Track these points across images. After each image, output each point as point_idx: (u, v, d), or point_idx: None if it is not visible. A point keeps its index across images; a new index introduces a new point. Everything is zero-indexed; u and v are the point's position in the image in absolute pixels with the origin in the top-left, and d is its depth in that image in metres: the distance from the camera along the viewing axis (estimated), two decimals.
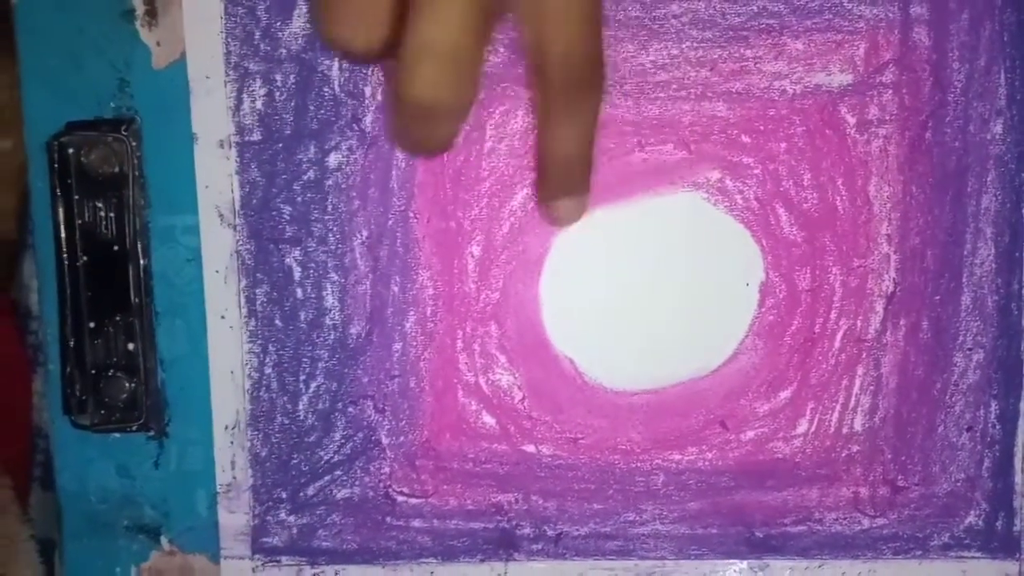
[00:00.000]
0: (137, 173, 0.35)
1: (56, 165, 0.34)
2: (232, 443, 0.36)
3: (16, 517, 0.38)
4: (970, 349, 0.35)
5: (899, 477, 0.36)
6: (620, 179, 0.35)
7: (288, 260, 0.35)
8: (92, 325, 0.35)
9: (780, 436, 0.36)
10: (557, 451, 0.36)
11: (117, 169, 0.34)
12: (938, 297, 0.35)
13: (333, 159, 0.35)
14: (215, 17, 0.34)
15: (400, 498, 0.36)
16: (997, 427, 0.36)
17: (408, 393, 0.36)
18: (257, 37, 0.34)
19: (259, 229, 0.35)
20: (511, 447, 0.36)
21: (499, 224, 0.35)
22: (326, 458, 0.36)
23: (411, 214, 0.35)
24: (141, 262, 0.35)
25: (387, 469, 0.36)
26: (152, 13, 0.34)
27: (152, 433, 0.36)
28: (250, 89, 0.35)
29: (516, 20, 0.25)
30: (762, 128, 0.35)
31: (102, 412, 0.35)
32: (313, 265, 0.36)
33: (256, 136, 0.35)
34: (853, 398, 0.36)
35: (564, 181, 0.27)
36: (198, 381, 0.36)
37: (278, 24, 0.34)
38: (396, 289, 0.36)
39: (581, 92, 0.26)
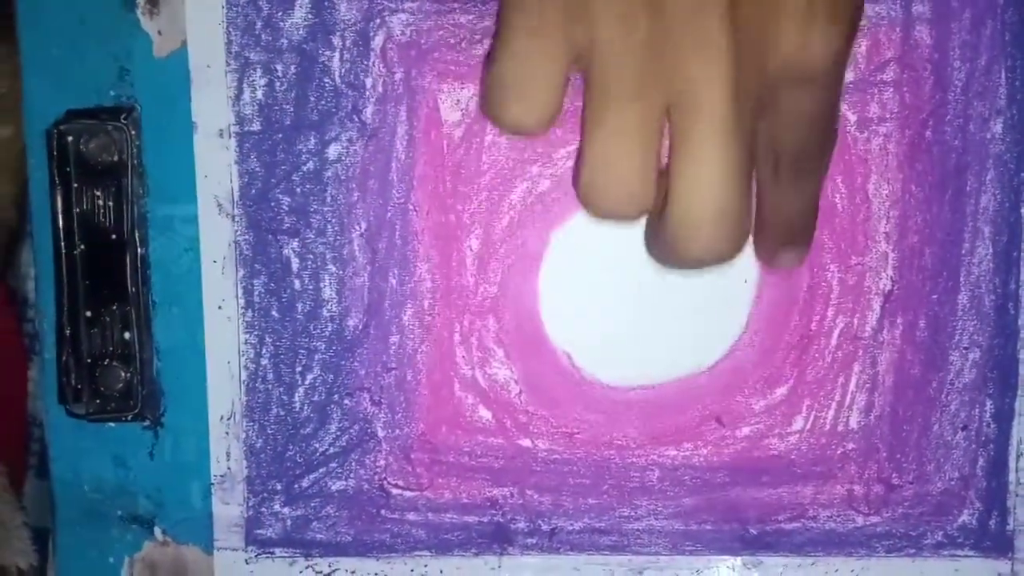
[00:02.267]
0: (136, 162, 0.35)
1: (55, 153, 0.34)
2: (227, 434, 0.36)
3: (10, 505, 0.38)
4: (966, 348, 0.35)
5: (894, 475, 0.36)
6: None
7: (286, 251, 0.35)
8: (88, 314, 0.35)
9: (775, 433, 0.36)
10: (553, 446, 0.36)
11: (116, 158, 0.34)
12: (935, 296, 0.35)
13: (333, 150, 0.35)
14: (216, 6, 0.34)
15: (395, 491, 0.36)
16: (992, 426, 0.36)
17: (404, 386, 0.36)
18: (258, 27, 0.34)
19: (258, 220, 0.35)
20: (507, 441, 0.36)
21: (498, 218, 0.35)
22: (321, 450, 0.36)
23: (410, 207, 0.35)
24: (139, 251, 0.35)
25: (382, 462, 0.36)
26: (153, 1, 0.34)
27: (147, 423, 0.36)
28: (250, 79, 0.35)
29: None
30: None
31: (97, 401, 0.35)
32: (311, 256, 0.35)
33: (256, 126, 0.35)
34: (849, 396, 0.36)
35: (789, 235, 0.27)
36: (194, 371, 0.36)
37: (279, 14, 0.34)
38: (394, 282, 0.36)
39: (814, 162, 0.26)
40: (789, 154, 0.26)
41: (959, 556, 0.36)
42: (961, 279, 0.35)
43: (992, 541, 0.36)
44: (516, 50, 0.23)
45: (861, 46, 0.34)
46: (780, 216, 0.27)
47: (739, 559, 0.36)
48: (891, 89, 0.34)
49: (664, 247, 0.24)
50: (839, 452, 0.36)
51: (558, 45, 0.23)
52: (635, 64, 0.22)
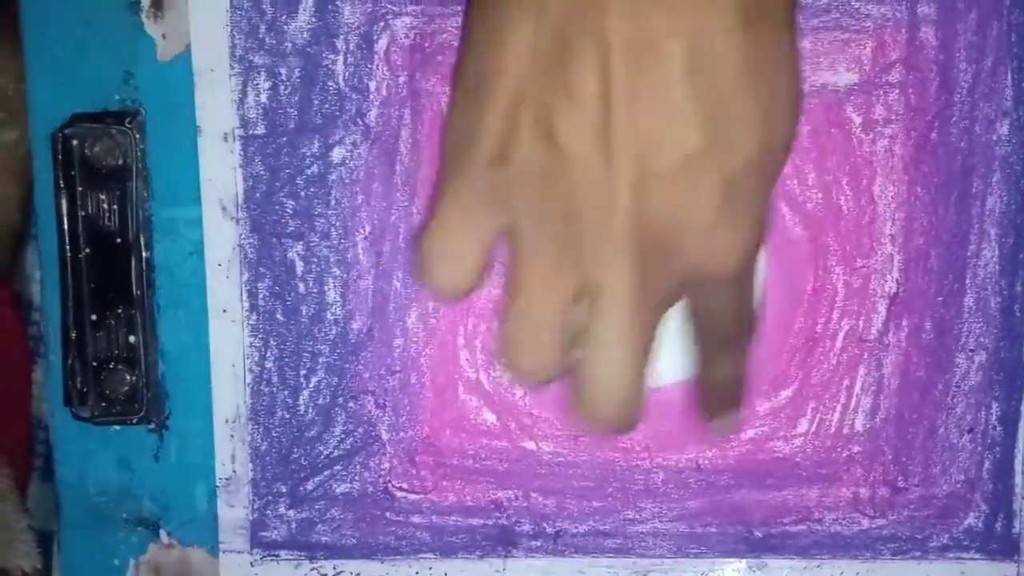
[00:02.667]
0: (141, 166, 0.35)
1: (60, 157, 0.34)
2: (232, 437, 0.36)
3: (15, 507, 0.38)
4: (972, 351, 0.35)
5: (899, 478, 0.36)
6: None
7: (291, 254, 0.35)
8: (94, 317, 0.35)
9: (780, 435, 0.36)
10: (557, 448, 0.36)
11: (121, 161, 0.34)
12: (941, 298, 0.35)
13: (337, 154, 0.35)
14: (220, 10, 0.34)
15: (400, 494, 0.36)
16: (998, 429, 0.35)
17: (409, 389, 0.36)
18: (262, 31, 0.34)
19: (262, 223, 0.35)
20: (511, 444, 0.36)
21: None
22: (326, 453, 0.36)
23: (414, 209, 0.35)
24: (143, 254, 0.35)
25: (387, 465, 0.36)
26: (158, 5, 0.34)
27: (152, 426, 0.36)
28: (255, 83, 0.35)
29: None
30: None
31: (103, 404, 0.35)
32: (315, 260, 0.36)
33: (260, 130, 0.35)
34: (854, 398, 0.36)
35: (723, 401, 0.29)
36: (199, 375, 0.36)
37: (283, 18, 0.34)
38: (398, 284, 0.36)
39: (739, 341, 0.28)
40: (716, 337, 0.29)
41: (965, 559, 0.36)
42: (967, 281, 0.35)
43: (998, 544, 0.36)
44: (444, 224, 0.25)
45: (867, 47, 0.34)
46: (715, 385, 0.30)
47: (744, 562, 0.36)
48: (897, 91, 0.34)
49: (576, 412, 0.26)
50: (844, 455, 0.36)
51: (481, 222, 0.25)
52: (548, 258, 0.24)
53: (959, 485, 0.36)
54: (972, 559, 0.36)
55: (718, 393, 0.30)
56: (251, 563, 0.37)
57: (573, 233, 0.24)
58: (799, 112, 0.25)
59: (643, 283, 0.24)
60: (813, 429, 0.36)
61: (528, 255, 0.25)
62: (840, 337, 0.35)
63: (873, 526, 0.36)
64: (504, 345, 0.26)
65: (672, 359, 0.36)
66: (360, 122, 0.35)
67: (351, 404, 0.36)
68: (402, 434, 0.36)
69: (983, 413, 0.35)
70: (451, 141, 0.25)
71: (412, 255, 0.26)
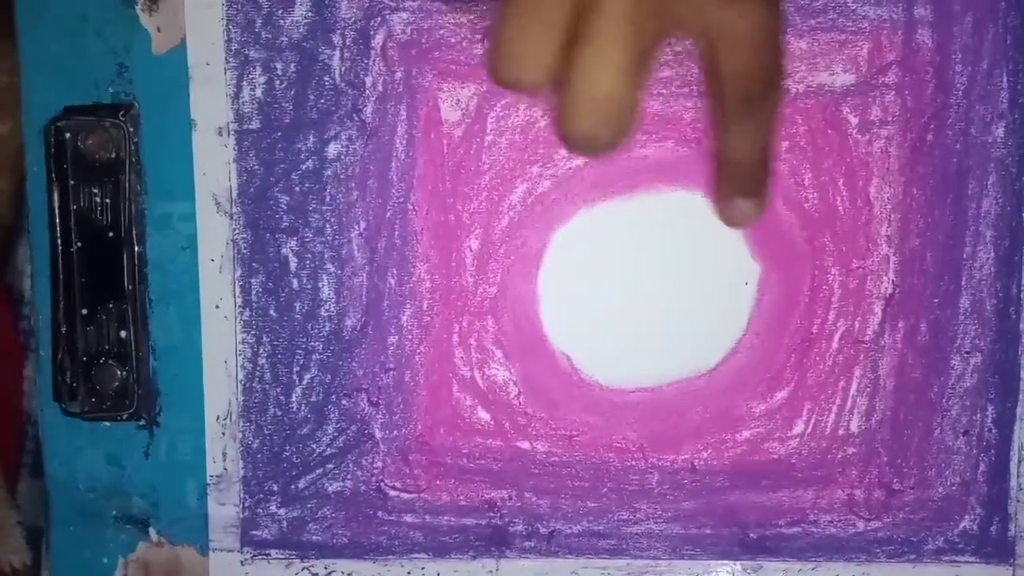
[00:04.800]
0: (134, 159, 0.34)
1: (53, 150, 0.34)
2: (224, 434, 0.36)
3: (4, 503, 0.38)
4: (968, 352, 0.35)
5: (894, 480, 0.36)
6: (621, 175, 0.35)
7: (284, 250, 0.35)
8: (85, 312, 0.35)
9: (776, 437, 0.36)
10: (552, 448, 0.36)
11: (114, 155, 0.34)
12: (937, 300, 0.35)
13: (332, 149, 0.35)
14: (216, 3, 0.34)
15: (392, 493, 0.36)
16: (993, 431, 0.35)
17: (403, 387, 0.36)
18: (258, 24, 0.34)
19: (256, 218, 0.35)
20: (505, 443, 0.36)
21: (498, 218, 0.35)
22: (318, 451, 0.36)
23: (410, 206, 0.35)
24: (136, 249, 0.35)
25: (380, 463, 0.36)
26: None
27: (143, 422, 0.36)
28: (250, 77, 0.34)
29: (690, 39, 0.25)
30: None
31: (93, 400, 0.35)
32: (309, 256, 0.35)
33: (255, 124, 0.35)
34: (850, 400, 0.35)
35: (744, 183, 0.27)
36: (191, 371, 0.35)
37: (279, 12, 0.34)
38: (393, 282, 0.35)
39: (759, 103, 0.26)
40: (733, 90, 0.26)
41: (960, 562, 0.36)
42: (963, 283, 0.35)
43: (993, 547, 0.36)
44: (515, 10, 0.24)
45: (863, 49, 0.34)
46: (732, 160, 0.27)
47: (739, 564, 0.36)
48: (893, 92, 0.34)
49: (558, 128, 0.25)
50: (840, 456, 0.36)
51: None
52: None
53: (954, 488, 0.36)
54: (967, 562, 0.36)
55: (737, 170, 0.28)
56: (241, 562, 0.36)
57: None
58: None
59: None
60: (808, 431, 0.36)
61: None
62: (836, 338, 0.35)
63: (868, 528, 0.36)
64: (501, 43, 0.24)
65: (669, 359, 0.36)
66: (356, 118, 0.35)
67: (344, 402, 0.36)
68: (395, 432, 0.36)
69: (978, 415, 0.35)
70: None
71: (487, 56, 0.25)
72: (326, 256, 0.35)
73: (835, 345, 0.35)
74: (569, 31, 0.24)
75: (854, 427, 0.35)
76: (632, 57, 0.24)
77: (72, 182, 0.34)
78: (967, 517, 0.36)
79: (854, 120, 0.34)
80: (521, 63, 0.24)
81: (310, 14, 0.34)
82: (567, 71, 0.24)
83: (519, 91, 0.24)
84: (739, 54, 0.25)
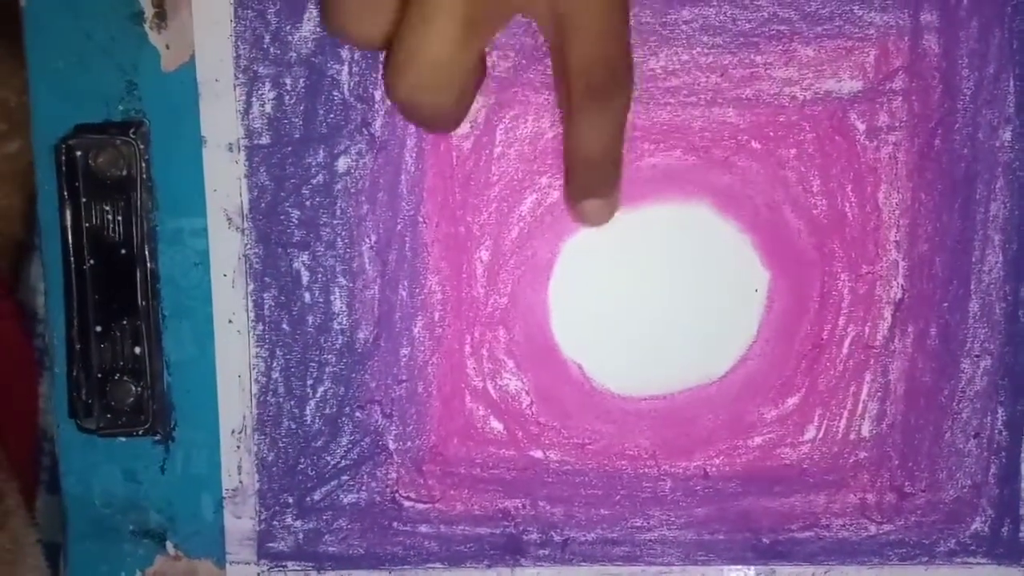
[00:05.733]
0: (145, 176, 0.35)
1: (64, 168, 0.34)
2: (239, 448, 0.36)
3: (23, 520, 0.38)
4: (977, 356, 0.35)
5: (906, 483, 0.36)
6: (629, 184, 0.35)
7: (296, 264, 0.35)
8: (98, 328, 0.35)
9: (788, 442, 0.36)
10: (565, 457, 0.36)
11: (125, 172, 0.34)
12: (946, 304, 0.35)
13: (342, 163, 0.35)
14: (224, 20, 0.34)
15: (407, 503, 0.36)
16: (1004, 434, 0.36)
17: (415, 398, 0.36)
18: (267, 40, 0.34)
19: (267, 233, 0.35)
20: (518, 452, 0.36)
21: (508, 229, 0.35)
22: (333, 463, 0.36)
23: (420, 219, 0.35)
24: (148, 265, 0.35)
25: (394, 474, 0.36)
26: (161, 16, 0.34)
27: (158, 437, 0.36)
28: (259, 92, 0.35)
29: (537, 24, 0.25)
30: (772, 134, 0.35)
31: (108, 416, 0.35)
32: (321, 269, 0.35)
33: (265, 140, 0.35)
34: (861, 404, 0.36)
35: (590, 182, 0.27)
36: (205, 385, 0.36)
37: (288, 28, 0.34)
38: (404, 294, 0.36)
39: (606, 95, 0.25)
40: (579, 82, 0.25)
41: (972, 563, 0.36)
42: (972, 287, 0.35)
43: (1005, 548, 0.36)
44: None
45: (870, 55, 0.34)
46: (578, 157, 0.26)
47: (752, 568, 0.36)
48: (900, 98, 0.34)
49: (383, 80, 0.24)
50: (851, 461, 0.36)
51: None
52: None
53: (965, 490, 0.36)
54: (979, 563, 0.36)
55: (585, 168, 0.27)
56: (258, 574, 0.36)
57: None
58: None
59: None
60: (820, 436, 0.36)
61: None
62: (846, 344, 0.35)
63: (880, 531, 0.36)
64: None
65: (680, 367, 0.36)
66: (365, 131, 0.35)
67: (358, 414, 0.36)
68: (409, 443, 0.36)
69: (989, 418, 0.36)
70: None
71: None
72: (338, 269, 0.35)
73: (845, 350, 0.36)
74: None
75: (865, 431, 0.36)
76: (462, 25, 0.23)
77: (84, 200, 0.34)
78: (978, 519, 0.36)
79: (861, 126, 0.35)
80: (354, 15, 0.23)
81: (318, 29, 0.34)
82: (395, 29, 0.23)
83: (352, 44, 0.24)
84: (582, 43, 0.24)
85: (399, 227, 0.35)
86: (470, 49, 0.24)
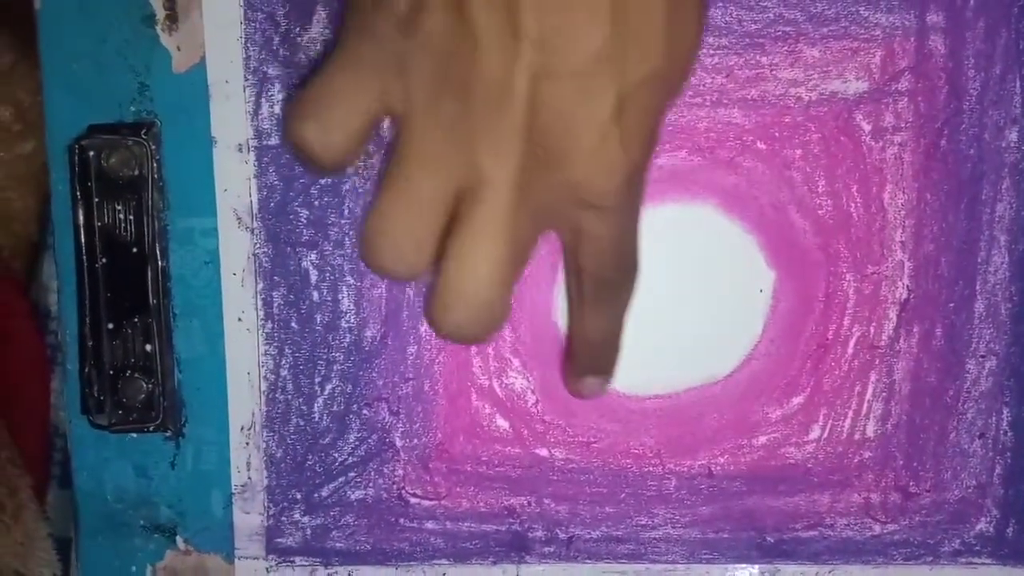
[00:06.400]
0: (156, 176, 0.35)
1: (77, 168, 0.34)
2: (248, 444, 0.36)
3: (35, 515, 0.39)
4: (983, 356, 0.35)
5: (911, 483, 0.36)
6: None
7: (305, 263, 0.36)
8: (110, 326, 0.35)
9: (792, 441, 0.36)
10: (570, 455, 0.36)
11: (137, 172, 0.35)
12: (952, 304, 0.35)
13: None
14: (234, 22, 0.34)
15: (413, 500, 0.37)
16: (1009, 434, 0.36)
17: (422, 396, 0.36)
18: (276, 42, 0.35)
19: (276, 232, 0.36)
20: (524, 450, 0.36)
21: None
22: (340, 460, 0.37)
23: None
24: (159, 264, 0.35)
25: (401, 471, 0.37)
26: (172, 18, 0.35)
27: (169, 434, 0.36)
28: (269, 93, 0.35)
29: (556, 231, 0.26)
30: (777, 135, 0.35)
31: (119, 412, 0.36)
32: (329, 268, 0.36)
33: (274, 140, 0.35)
34: (866, 404, 0.36)
35: (593, 362, 0.29)
36: (215, 382, 0.36)
37: (297, 29, 0.35)
38: (411, 292, 0.36)
39: (614, 290, 0.27)
40: (590, 280, 0.27)
41: (976, 564, 0.36)
42: (977, 287, 0.35)
43: (1009, 549, 0.36)
44: (331, 80, 0.24)
45: (876, 56, 0.34)
46: (583, 342, 0.29)
47: (756, 567, 0.36)
48: (906, 99, 0.35)
49: (426, 314, 0.25)
50: (856, 461, 0.36)
51: (371, 88, 0.24)
52: (436, 139, 0.24)
53: (970, 490, 0.36)
54: (984, 564, 0.36)
55: (589, 351, 0.29)
56: (266, 569, 0.37)
57: (466, 115, 0.23)
58: (699, 44, 0.25)
59: (525, 184, 0.23)
60: (825, 435, 0.36)
61: (417, 132, 0.24)
62: (851, 343, 0.36)
63: (885, 531, 0.36)
64: (373, 231, 0.24)
65: (685, 366, 0.36)
66: (373, 131, 0.35)
67: (365, 411, 0.36)
68: (416, 441, 0.36)
69: (994, 418, 0.36)
70: (358, 2, 0.24)
71: (287, 109, 0.25)
72: (345, 268, 0.36)
73: (850, 350, 0.36)
74: (447, 217, 0.24)
75: (870, 431, 0.36)
76: (509, 253, 0.24)
77: (96, 199, 0.35)
78: (983, 519, 0.36)
79: (867, 127, 0.35)
80: (397, 252, 0.24)
81: (327, 31, 0.35)
82: (442, 258, 0.24)
83: (392, 279, 0.25)
84: (598, 250, 0.26)
85: None
86: (513, 280, 0.25)
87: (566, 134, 0.23)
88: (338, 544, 0.37)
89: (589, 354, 0.29)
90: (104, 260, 0.35)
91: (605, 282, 0.27)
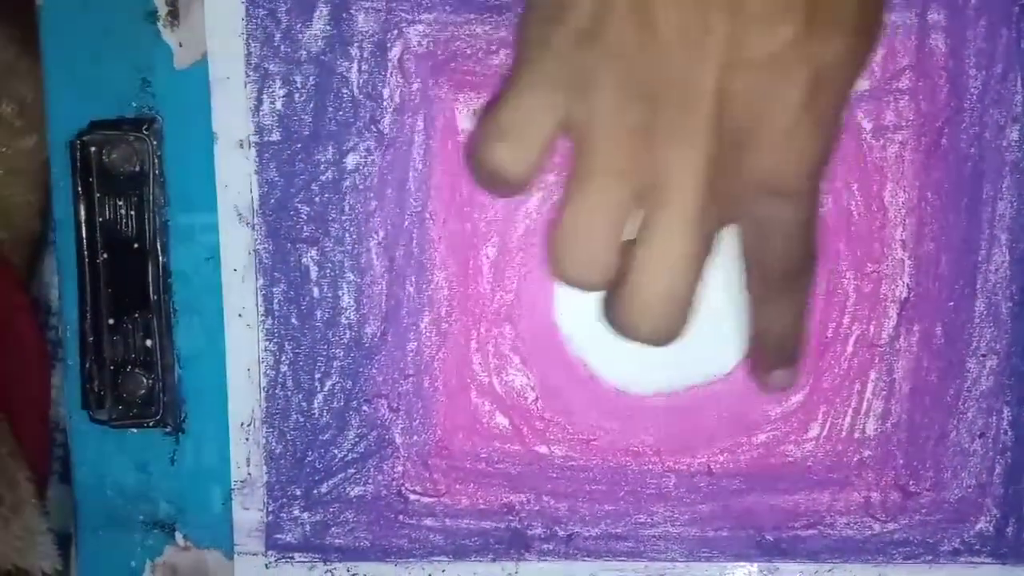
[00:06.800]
0: (157, 172, 0.35)
1: (78, 163, 0.35)
2: (247, 440, 0.36)
3: (35, 510, 0.39)
4: (983, 355, 0.35)
5: (910, 482, 0.36)
6: None
7: (305, 260, 0.36)
8: (111, 321, 0.35)
9: (792, 440, 0.36)
10: (569, 452, 0.36)
11: (138, 168, 0.35)
12: (952, 303, 0.35)
13: (351, 160, 0.35)
14: (236, 19, 0.35)
15: (413, 497, 0.37)
16: (1009, 434, 0.36)
17: (422, 393, 0.36)
18: (277, 39, 0.35)
19: (277, 228, 0.36)
20: (524, 447, 0.36)
21: (514, 226, 0.36)
22: (340, 456, 0.37)
23: (427, 215, 0.36)
24: (160, 260, 0.35)
25: (400, 468, 0.37)
26: (174, 14, 0.35)
27: (169, 429, 0.36)
28: (270, 90, 0.35)
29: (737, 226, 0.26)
30: None
31: (120, 408, 0.36)
32: (330, 265, 0.36)
33: (275, 136, 0.35)
34: (865, 403, 0.36)
35: (779, 355, 0.28)
36: (215, 378, 0.36)
37: (298, 26, 0.35)
38: (411, 289, 0.36)
39: (796, 281, 0.27)
40: (773, 269, 0.27)
41: (976, 563, 0.36)
42: (978, 286, 0.35)
43: (1009, 548, 0.36)
44: (519, 100, 0.24)
45: (877, 54, 0.34)
46: (771, 336, 0.28)
47: (755, 566, 0.36)
48: (907, 97, 0.35)
49: (615, 320, 0.25)
50: (856, 459, 0.36)
51: (556, 104, 0.24)
52: (622, 146, 0.23)
53: (970, 489, 0.36)
54: (983, 563, 0.36)
55: (775, 344, 0.29)
56: (266, 565, 0.37)
57: (652, 117, 0.23)
58: (884, 15, 0.24)
59: (713, 178, 0.23)
60: (824, 433, 0.36)
61: (601, 142, 0.23)
62: (851, 342, 0.36)
63: (884, 530, 0.36)
64: (558, 243, 0.24)
65: (686, 364, 0.36)
66: (374, 129, 0.35)
67: (365, 408, 0.36)
68: (415, 438, 0.37)
69: (994, 418, 0.36)
70: (536, 15, 0.24)
71: (476, 131, 0.25)
72: (346, 265, 0.36)
73: (850, 348, 0.36)
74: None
75: (870, 430, 0.36)
76: (699, 250, 0.24)
77: (97, 195, 0.35)
78: (983, 519, 0.36)
79: (868, 125, 0.35)
80: (592, 262, 0.24)
81: (328, 28, 0.35)
82: (631, 261, 0.24)
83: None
84: (783, 239, 0.26)
85: (407, 223, 0.36)
86: (700, 281, 0.25)
87: (756, 122, 0.23)
88: (337, 540, 0.37)
89: (777, 346, 0.29)
90: (105, 255, 0.35)
91: (790, 271, 0.27)
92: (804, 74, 0.23)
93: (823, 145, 0.24)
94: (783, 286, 0.27)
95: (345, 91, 0.35)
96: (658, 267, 0.24)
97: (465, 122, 0.35)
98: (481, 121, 0.25)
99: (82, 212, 0.35)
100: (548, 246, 0.25)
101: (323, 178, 0.35)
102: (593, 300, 0.36)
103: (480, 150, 0.25)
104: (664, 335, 0.25)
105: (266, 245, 0.36)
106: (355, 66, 0.35)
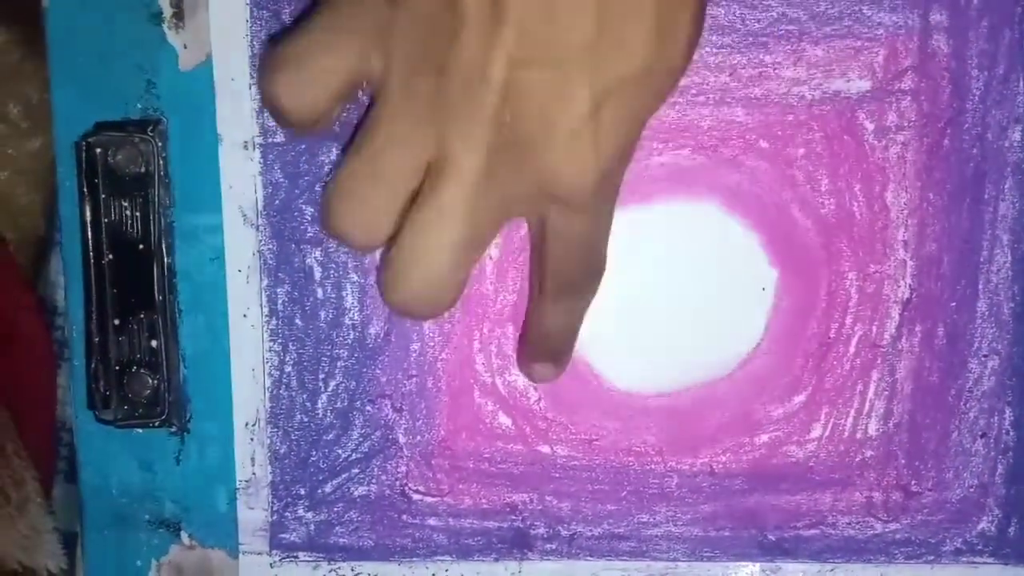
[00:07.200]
0: (163, 173, 0.35)
1: (84, 165, 0.35)
2: (252, 440, 0.37)
3: (41, 509, 0.39)
4: (985, 356, 0.35)
5: (912, 482, 0.36)
6: (638, 183, 0.35)
7: (309, 260, 0.36)
8: (116, 322, 0.36)
9: (794, 440, 0.36)
10: (572, 452, 0.37)
11: (143, 169, 0.35)
12: (954, 303, 0.35)
13: None
14: (241, 20, 0.35)
15: (416, 496, 0.37)
16: (1011, 434, 0.36)
17: (425, 393, 0.36)
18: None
19: (281, 229, 0.36)
20: (526, 447, 0.37)
21: (517, 226, 0.36)
22: (344, 456, 0.37)
23: None
24: (165, 260, 0.36)
25: (404, 468, 0.37)
26: (179, 16, 0.35)
27: (174, 429, 0.37)
28: None
29: (526, 222, 0.26)
30: (780, 133, 0.35)
31: (125, 407, 0.36)
32: (334, 266, 0.36)
33: (280, 138, 0.35)
34: (868, 403, 0.36)
35: (547, 352, 0.29)
36: (220, 378, 0.36)
37: None
38: None
39: (578, 292, 0.27)
40: (553, 274, 0.27)
41: (978, 563, 0.36)
42: (980, 287, 0.35)
43: (1011, 548, 0.36)
44: (310, 36, 0.24)
45: (879, 55, 0.34)
46: (538, 331, 0.29)
47: (757, 565, 0.36)
48: (909, 98, 0.35)
49: (378, 283, 0.25)
50: (858, 459, 0.36)
51: (351, 51, 0.24)
52: (408, 114, 0.23)
53: (972, 490, 0.36)
54: (985, 563, 0.36)
55: (543, 340, 0.29)
56: (270, 564, 0.37)
57: (441, 93, 0.23)
58: (691, 51, 0.24)
59: (493, 170, 0.23)
60: (826, 434, 0.36)
61: (391, 103, 0.24)
62: (853, 342, 0.36)
63: (886, 530, 0.36)
64: (337, 196, 0.24)
65: (688, 364, 0.36)
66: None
67: (368, 408, 0.37)
68: (419, 437, 0.37)
69: (996, 418, 0.36)
70: None
71: (261, 60, 0.25)
72: (350, 266, 0.36)
73: (852, 349, 0.36)
74: (410, 191, 0.24)
75: (872, 430, 0.36)
76: (468, 236, 0.24)
77: (103, 196, 0.35)
78: (985, 519, 0.36)
79: (870, 126, 0.35)
80: (357, 220, 0.24)
81: None
82: (400, 231, 0.24)
83: (351, 248, 0.24)
84: (565, 250, 0.26)
85: None
86: (469, 262, 0.25)
87: (539, 125, 0.23)
88: (341, 540, 0.37)
89: (543, 343, 0.29)
90: (110, 256, 0.35)
91: (567, 281, 0.27)
92: (589, 87, 0.23)
93: (606, 163, 0.24)
94: (559, 293, 0.28)
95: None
96: (422, 241, 0.24)
97: None
98: (269, 50, 0.25)
99: (88, 213, 0.35)
100: (323, 194, 0.25)
101: (327, 179, 0.36)
102: (598, 301, 0.36)
103: (259, 77, 0.25)
104: (416, 309, 0.25)
105: (270, 246, 0.36)
106: None
